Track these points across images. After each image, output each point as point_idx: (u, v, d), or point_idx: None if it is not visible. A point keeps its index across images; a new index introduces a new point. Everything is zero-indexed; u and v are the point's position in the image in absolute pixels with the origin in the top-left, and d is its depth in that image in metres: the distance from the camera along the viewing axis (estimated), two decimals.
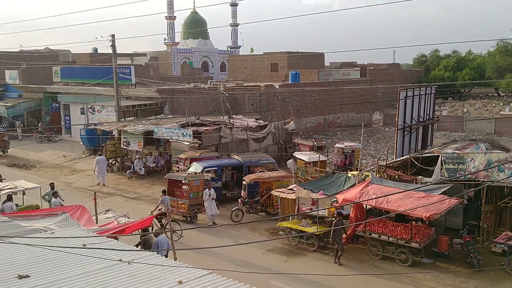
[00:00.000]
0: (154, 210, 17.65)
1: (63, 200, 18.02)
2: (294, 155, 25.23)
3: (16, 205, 17.30)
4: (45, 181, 24.70)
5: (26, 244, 7.42)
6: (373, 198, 14.40)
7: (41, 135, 36.38)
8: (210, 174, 20.15)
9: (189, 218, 18.64)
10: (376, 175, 17.62)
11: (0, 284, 6.60)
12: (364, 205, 16.05)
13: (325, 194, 17.21)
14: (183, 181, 18.64)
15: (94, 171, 25.04)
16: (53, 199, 17.80)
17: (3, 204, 16.56)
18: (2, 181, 20.01)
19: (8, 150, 32.96)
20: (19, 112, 40.47)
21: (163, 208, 16.37)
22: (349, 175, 18.93)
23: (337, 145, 27.87)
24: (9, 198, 17.07)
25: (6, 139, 33.28)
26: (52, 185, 18.91)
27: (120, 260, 7.37)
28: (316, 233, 15.81)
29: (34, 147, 34.78)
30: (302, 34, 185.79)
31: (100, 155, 25.89)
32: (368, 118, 44.59)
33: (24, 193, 18.79)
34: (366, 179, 17.12)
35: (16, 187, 18.60)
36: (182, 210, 18.66)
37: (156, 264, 7.10)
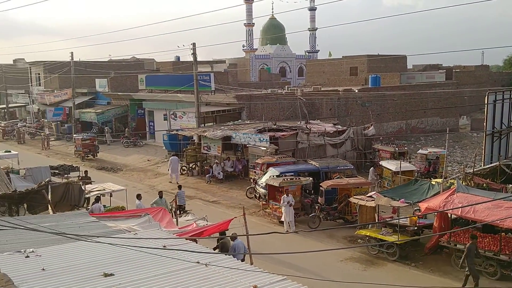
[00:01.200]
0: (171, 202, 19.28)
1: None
2: (380, 163, 24.13)
3: (104, 206, 18.32)
4: (130, 184, 26.03)
5: (111, 244, 7.78)
6: (459, 207, 13.60)
7: (128, 140, 38.30)
8: (310, 179, 20.36)
9: (314, 217, 18.73)
10: (462, 183, 16.65)
11: (87, 281, 6.97)
12: (449, 215, 15.23)
13: (406, 202, 16.55)
14: (278, 186, 19.05)
15: (168, 169, 27.12)
16: (137, 202, 18.61)
17: (92, 205, 17.58)
18: (91, 184, 21.27)
19: (97, 154, 35.03)
20: (108, 118, 42.88)
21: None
22: (433, 182, 18.05)
23: (420, 151, 26.74)
24: (98, 199, 18.12)
25: (96, 143, 35.38)
26: (160, 194, 18.99)
27: (198, 262, 7.51)
28: (397, 242, 15.22)
29: (121, 151, 36.68)
30: (383, 36, 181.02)
31: (173, 155, 27.90)
32: (454, 123, 42.39)
33: (111, 195, 19.90)
34: (451, 187, 16.23)
35: (104, 189, 19.76)
36: (279, 214, 18.88)
37: (232, 268, 7.15)
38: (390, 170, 22.25)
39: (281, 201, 18.59)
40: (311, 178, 20.63)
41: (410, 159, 26.77)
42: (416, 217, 16.09)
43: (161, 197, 18.67)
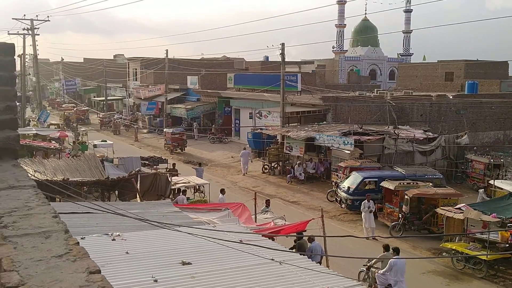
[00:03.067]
0: None
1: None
2: (490, 182, 21.08)
3: (188, 198, 19.01)
4: (214, 179, 26.75)
5: (191, 234, 8.02)
6: None
7: (214, 136, 39.40)
8: (430, 184, 19.82)
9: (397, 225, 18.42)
10: None
11: (166, 268, 7.25)
12: None
13: (498, 217, 15.49)
14: (393, 189, 18.89)
15: (241, 161, 28.97)
16: (220, 196, 19.09)
17: (176, 196, 18.32)
18: (178, 176, 22.15)
19: (185, 148, 36.40)
20: (197, 114, 44.39)
21: None
22: None
23: None
24: (183, 192, 18.87)
25: (184, 138, 36.78)
26: (222, 191, 19.50)
27: (273, 259, 7.53)
28: (486, 258, 14.27)
29: (207, 146, 37.82)
30: (484, 42, 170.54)
31: (244, 149, 29.70)
32: None
33: (197, 189, 20.62)
34: None
35: (189, 182, 20.53)
36: (394, 218, 18.73)
37: (306, 268, 7.08)
38: (507, 191, 19.02)
39: (362, 207, 18.16)
40: (430, 183, 20.04)
41: (506, 172, 24.97)
42: (509, 233, 14.97)
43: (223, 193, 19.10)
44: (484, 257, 14.26)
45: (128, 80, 60.45)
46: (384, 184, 19.69)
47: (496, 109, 35.24)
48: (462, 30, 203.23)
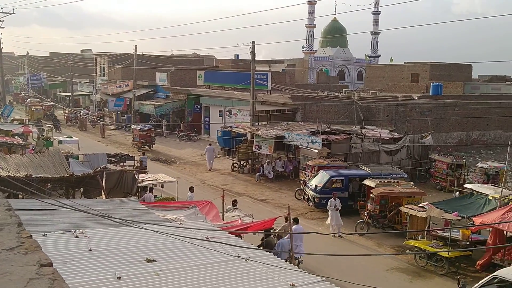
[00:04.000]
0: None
1: None
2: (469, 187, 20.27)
3: (155, 196, 18.82)
4: (183, 177, 26.59)
5: (156, 231, 7.96)
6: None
7: (183, 133, 39.13)
8: (411, 183, 20.34)
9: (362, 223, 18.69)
10: None
11: (130, 265, 7.16)
12: (505, 232, 14.49)
13: (460, 216, 15.94)
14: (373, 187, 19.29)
15: (202, 155, 30.87)
16: (188, 194, 18.98)
17: (144, 194, 18.12)
18: (145, 173, 21.90)
19: (153, 145, 36.04)
20: (166, 111, 43.99)
21: None
22: (490, 197, 17.27)
23: (479, 164, 25.65)
24: (151, 190, 18.68)
25: (153, 135, 36.40)
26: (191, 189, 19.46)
27: (238, 256, 7.54)
28: (448, 256, 14.66)
29: (176, 144, 37.54)
30: (449, 45, 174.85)
31: (210, 144, 30.96)
32: None
33: (162, 186, 20.42)
34: (510, 204, 15.46)
35: (156, 180, 20.32)
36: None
37: (272, 265, 7.12)
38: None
39: (328, 205, 18.39)
40: (412, 183, 20.78)
41: (468, 172, 25.71)
42: (469, 231, 15.43)
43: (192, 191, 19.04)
44: (445, 254, 14.64)
45: (96, 75, 59.38)
46: (366, 182, 20.10)
47: (459, 111, 36.24)
48: (428, 33, 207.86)
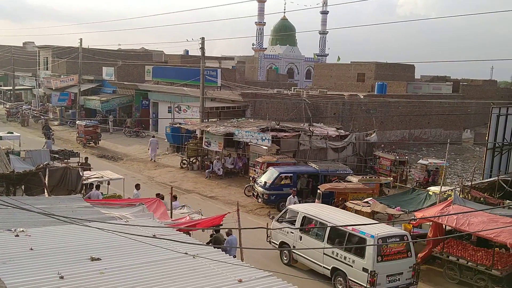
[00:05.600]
0: None
1: None
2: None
3: (101, 193, 18.36)
4: (130, 174, 26.08)
5: (100, 229, 7.80)
6: (454, 214, 13.60)
7: (130, 129, 38.34)
8: (390, 179, 21.57)
9: None
10: (459, 195, 16.61)
11: (73, 264, 6.99)
12: (444, 226, 15.19)
13: (402, 210, 16.55)
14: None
15: (148, 149, 30.83)
16: (134, 191, 18.64)
17: (89, 191, 17.64)
18: (90, 170, 21.32)
19: (99, 142, 35.11)
20: (112, 107, 42.94)
21: None
22: (430, 193, 18.03)
23: (420, 161, 26.71)
24: (97, 187, 18.22)
25: (98, 131, 35.45)
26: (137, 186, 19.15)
27: (186, 253, 7.53)
28: None
29: (123, 140, 36.73)
30: (394, 46, 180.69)
31: (153, 137, 31.80)
32: (457, 136, 42.25)
33: (109, 183, 19.96)
34: (448, 199, 16.21)
35: (102, 177, 19.83)
36: None
37: (219, 261, 7.16)
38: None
39: (287, 202, 18.65)
40: (391, 178, 22.30)
41: (410, 168, 26.71)
42: (411, 225, 16.05)
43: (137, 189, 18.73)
44: None
45: (39, 69, 57.10)
46: (349, 179, 20.93)
47: (403, 109, 37.58)
48: (374, 33, 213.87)
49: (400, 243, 12.99)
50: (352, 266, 12.80)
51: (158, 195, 18.28)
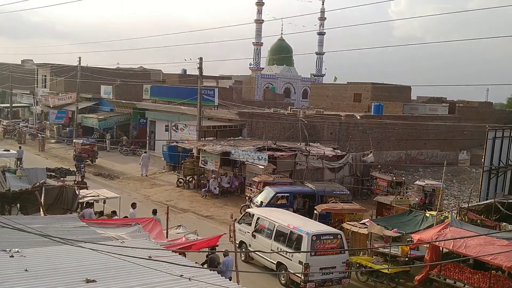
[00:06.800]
0: None
1: None
2: None
3: (96, 213, 18.25)
4: (126, 192, 25.99)
5: (96, 250, 7.75)
6: (450, 239, 13.56)
7: (127, 148, 38.28)
8: (416, 199, 22.20)
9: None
10: (456, 217, 16.60)
11: (68, 286, 6.93)
12: (441, 248, 15.14)
13: (399, 232, 16.52)
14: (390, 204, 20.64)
15: (140, 164, 31.51)
16: (131, 210, 18.56)
17: (83, 210, 17.54)
18: (86, 189, 21.23)
19: (96, 160, 35.03)
20: (110, 125, 42.95)
21: None
22: (427, 215, 18.00)
23: (417, 182, 26.69)
24: (90, 205, 18.10)
25: (95, 149, 35.40)
26: (133, 205, 19.17)
27: (181, 275, 7.47)
28: (387, 271, 15.12)
29: (120, 159, 36.68)
30: (390, 67, 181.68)
31: (145, 152, 32.79)
32: (454, 157, 42.40)
33: (104, 202, 19.85)
34: (445, 221, 16.18)
35: (98, 195, 19.74)
36: None
37: (215, 284, 7.10)
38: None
39: None
40: (417, 199, 22.91)
41: (407, 189, 26.72)
42: (408, 247, 16.00)
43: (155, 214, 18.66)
44: (385, 271, 15.10)
45: (37, 87, 57.23)
46: (379, 199, 21.96)
47: (399, 130, 37.74)
48: (371, 54, 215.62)
49: (334, 240, 14.72)
50: (291, 260, 14.67)
51: (133, 204, 18.80)
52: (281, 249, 14.72)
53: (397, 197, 21.31)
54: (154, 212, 18.10)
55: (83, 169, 29.03)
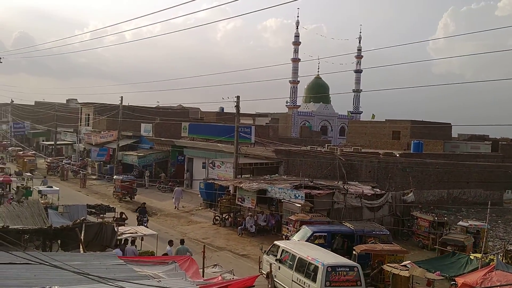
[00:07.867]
0: None
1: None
2: None
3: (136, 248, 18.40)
4: (163, 229, 26.15)
5: None
6: (497, 286, 12.87)
7: (165, 185, 38.77)
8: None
9: None
10: (502, 260, 15.84)
11: None
12: None
13: (442, 275, 15.88)
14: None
15: (173, 198, 32.85)
16: (168, 248, 18.60)
17: (126, 247, 17.76)
18: (124, 225, 21.51)
19: (135, 196, 35.57)
20: (149, 162, 43.75)
21: None
22: (472, 257, 17.28)
23: (460, 222, 25.78)
24: (133, 242, 18.35)
25: (134, 186, 36.00)
26: (182, 241, 19.41)
27: None
28: None
29: (158, 195, 37.13)
30: (429, 104, 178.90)
31: (178, 186, 34.16)
32: (498, 197, 40.85)
33: (142, 239, 20.03)
34: (491, 264, 15.46)
35: (136, 232, 19.94)
36: None
37: None
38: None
39: None
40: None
41: (449, 230, 25.81)
42: None
43: (182, 244, 18.69)
44: None
45: (80, 125, 59.31)
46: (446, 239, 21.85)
47: (440, 169, 36.79)
48: (410, 91, 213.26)
49: (350, 272, 14.90)
50: None
51: (170, 242, 18.90)
52: (299, 279, 15.27)
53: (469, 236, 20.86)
54: (170, 243, 18.25)
55: (145, 223, 24.93)
